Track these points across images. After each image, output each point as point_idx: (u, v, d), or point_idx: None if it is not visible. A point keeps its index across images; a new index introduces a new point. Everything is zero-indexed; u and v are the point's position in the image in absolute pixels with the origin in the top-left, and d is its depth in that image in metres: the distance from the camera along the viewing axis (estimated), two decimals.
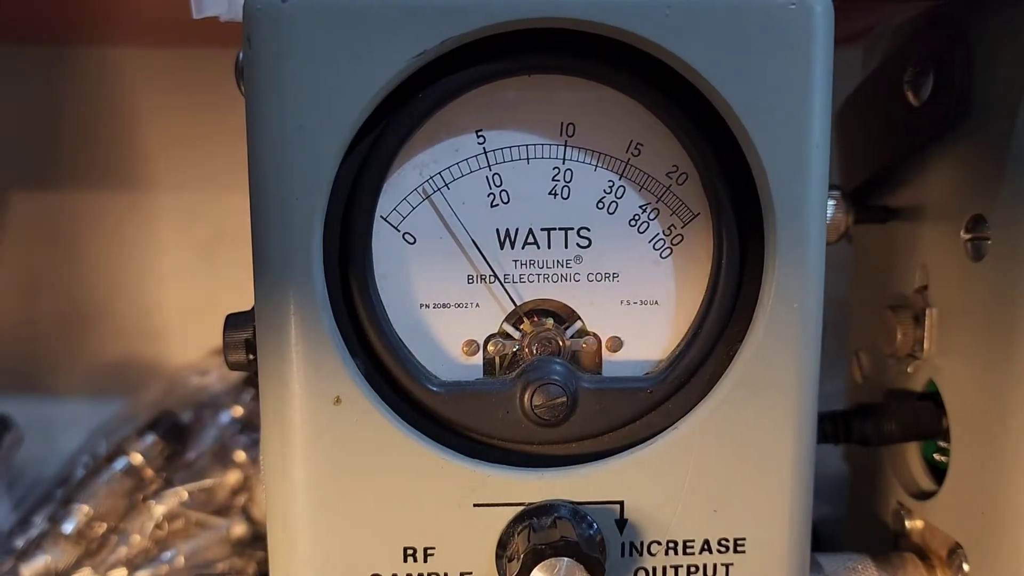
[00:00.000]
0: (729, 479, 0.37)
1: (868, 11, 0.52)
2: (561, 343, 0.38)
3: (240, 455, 0.63)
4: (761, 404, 0.37)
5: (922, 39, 0.44)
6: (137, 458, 0.61)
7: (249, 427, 0.65)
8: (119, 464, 0.61)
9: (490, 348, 0.38)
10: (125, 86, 0.74)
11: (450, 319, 0.38)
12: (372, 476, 0.36)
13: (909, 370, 0.47)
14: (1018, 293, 0.40)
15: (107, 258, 0.76)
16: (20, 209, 0.75)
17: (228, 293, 0.74)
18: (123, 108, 0.74)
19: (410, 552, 0.36)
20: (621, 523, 0.37)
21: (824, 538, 0.59)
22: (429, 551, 0.37)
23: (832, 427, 0.47)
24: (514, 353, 0.38)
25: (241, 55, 0.36)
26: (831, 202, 0.45)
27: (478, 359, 0.38)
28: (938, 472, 0.47)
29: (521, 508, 0.36)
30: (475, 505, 0.36)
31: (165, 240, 0.76)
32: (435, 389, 0.37)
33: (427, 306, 0.38)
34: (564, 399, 0.36)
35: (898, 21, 0.49)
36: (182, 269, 0.77)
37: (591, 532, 0.36)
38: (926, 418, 0.46)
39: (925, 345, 0.45)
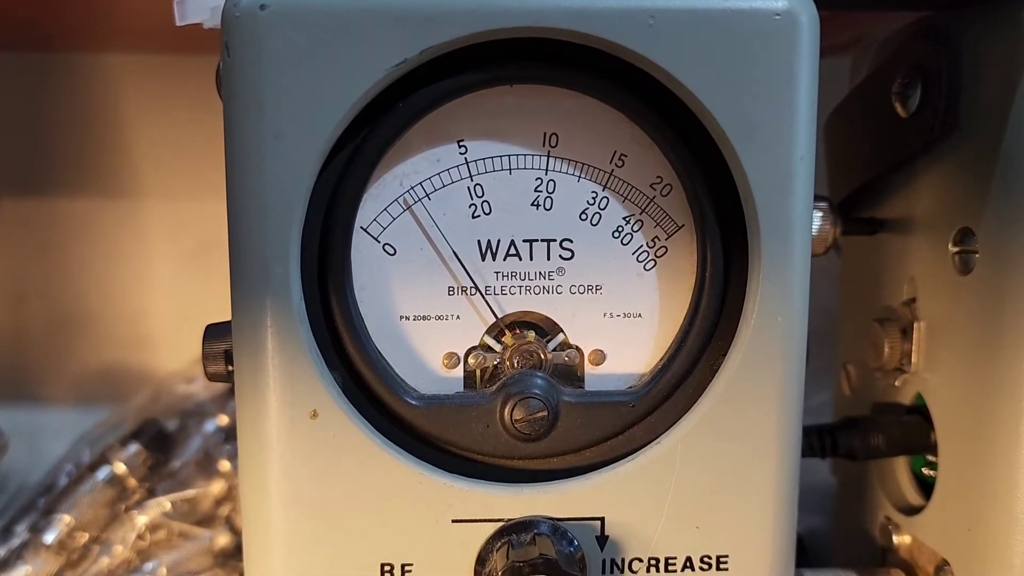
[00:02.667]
0: (712, 495, 0.37)
1: (855, 21, 0.51)
2: (543, 356, 0.38)
3: (225, 464, 0.63)
4: (745, 419, 0.36)
5: (910, 51, 0.44)
6: (120, 467, 0.61)
7: (234, 436, 0.64)
8: (102, 473, 0.61)
9: (471, 361, 0.38)
10: (113, 92, 0.74)
11: (430, 331, 0.37)
12: (349, 491, 0.35)
13: (897, 384, 0.46)
14: (1006, 307, 0.39)
15: (95, 265, 0.76)
16: (8, 216, 0.75)
17: (216, 301, 0.73)
18: (111, 115, 0.74)
19: (387, 568, 0.36)
20: (602, 540, 0.36)
21: (812, 549, 0.59)
22: (407, 567, 0.36)
23: (819, 441, 0.47)
24: (495, 366, 0.38)
25: (221, 63, 0.36)
26: (819, 213, 0.44)
27: (459, 372, 0.38)
28: (926, 487, 0.46)
29: (500, 524, 0.36)
30: (453, 521, 0.36)
31: (153, 248, 0.76)
32: (414, 403, 0.36)
33: (407, 318, 0.37)
34: (545, 413, 0.36)
35: (886, 32, 0.49)
36: (170, 277, 0.76)
37: (571, 549, 0.36)
38: (914, 432, 0.45)
39: (913, 359, 0.45)
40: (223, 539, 0.60)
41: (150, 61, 0.73)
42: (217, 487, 0.61)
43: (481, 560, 0.36)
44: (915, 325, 0.45)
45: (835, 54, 0.55)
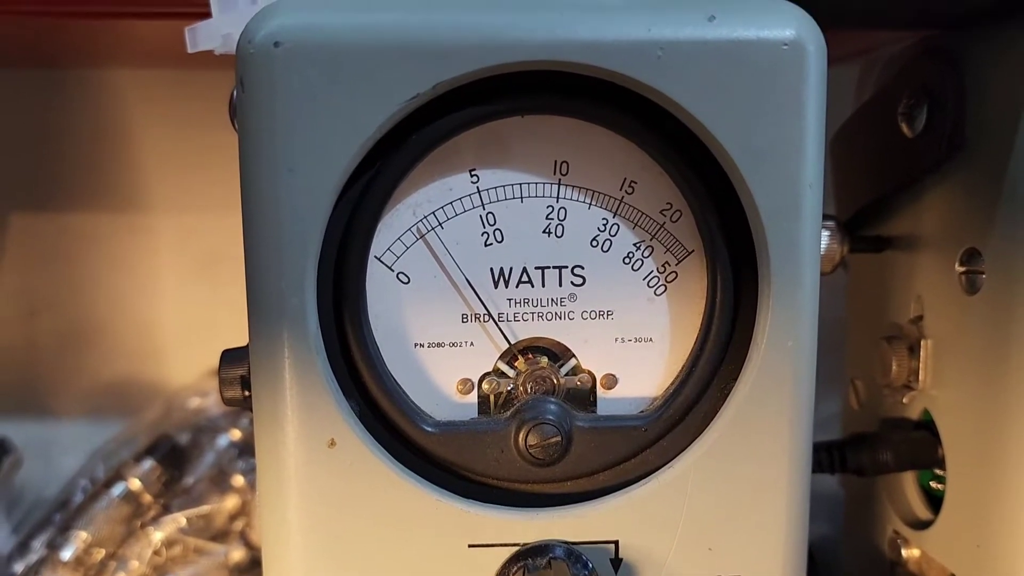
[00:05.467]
0: (725, 517, 0.37)
1: (861, 39, 0.52)
2: (556, 381, 0.38)
3: (238, 480, 0.63)
4: (756, 442, 0.37)
5: (915, 71, 0.44)
6: (135, 484, 0.61)
7: (247, 451, 0.65)
8: (117, 490, 0.61)
9: (485, 387, 0.38)
10: (123, 107, 0.74)
11: (444, 358, 0.38)
12: (367, 517, 0.36)
13: (904, 400, 0.47)
14: (1013, 327, 0.40)
15: (105, 279, 0.76)
16: (19, 230, 0.76)
17: (226, 313, 0.74)
18: (121, 129, 0.74)
19: None
20: (616, 563, 0.37)
21: (821, 559, 0.59)
22: None
23: (828, 457, 0.47)
24: (509, 391, 0.38)
25: (235, 94, 0.36)
26: (826, 233, 0.45)
27: (473, 398, 0.38)
28: (935, 501, 0.47)
29: (516, 548, 0.36)
30: (470, 546, 0.36)
31: (162, 260, 0.76)
32: (429, 429, 0.37)
33: (421, 345, 0.38)
34: (559, 438, 0.36)
35: (892, 50, 0.49)
36: (179, 289, 0.77)
37: (586, 572, 0.36)
38: (922, 448, 0.46)
39: (920, 376, 0.46)
40: (238, 554, 0.60)
41: (158, 76, 0.74)
42: (231, 502, 0.62)
43: None
44: (922, 343, 0.45)
45: (843, 63, 0.56)
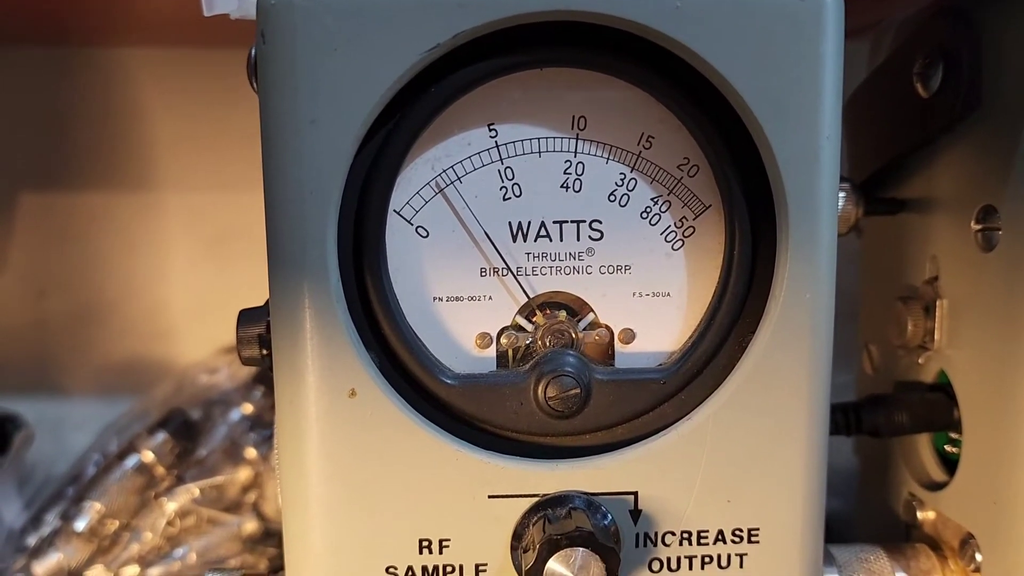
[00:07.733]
0: (743, 470, 0.37)
1: (876, 5, 0.52)
2: (574, 335, 0.38)
3: (251, 452, 0.63)
4: (774, 395, 0.37)
5: (930, 31, 0.44)
6: (148, 456, 0.62)
7: (259, 424, 0.65)
8: (130, 462, 0.62)
9: (503, 341, 0.38)
10: (133, 86, 0.74)
11: (463, 312, 0.38)
12: (387, 468, 0.36)
13: (920, 361, 0.47)
14: None
15: (116, 258, 0.76)
16: (29, 209, 0.76)
17: (236, 291, 0.74)
18: (130, 108, 0.74)
19: (425, 544, 0.37)
20: (635, 514, 0.37)
21: (835, 532, 0.59)
22: (444, 543, 0.37)
23: (843, 419, 0.47)
24: (527, 345, 0.38)
25: (253, 51, 0.36)
26: (841, 194, 0.45)
27: (491, 352, 0.38)
28: (949, 463, 0.47)
29: (536, 499, 0.36)
30: (490, 496, 0.36)
31: (173, 239, 0.77)
32: (449, 382, 0.37)
33: (440, 299, 0.38)
34: (578, 391, 0.37)
35: (906, 14, 0.49)
36: (190, 268, 0.77)
37: (606, 522, 0.36)
38: (937, 409, 0.46)
39: (936, 336, 0.46)
40: (251, 525, 0.60)
41: (168, 55, 0.74)
42: (244, 474, 0.62)
43: (517, 535, 0.36)
44: (938, 303, 0.45)
45: (853, 38, 0.56)
